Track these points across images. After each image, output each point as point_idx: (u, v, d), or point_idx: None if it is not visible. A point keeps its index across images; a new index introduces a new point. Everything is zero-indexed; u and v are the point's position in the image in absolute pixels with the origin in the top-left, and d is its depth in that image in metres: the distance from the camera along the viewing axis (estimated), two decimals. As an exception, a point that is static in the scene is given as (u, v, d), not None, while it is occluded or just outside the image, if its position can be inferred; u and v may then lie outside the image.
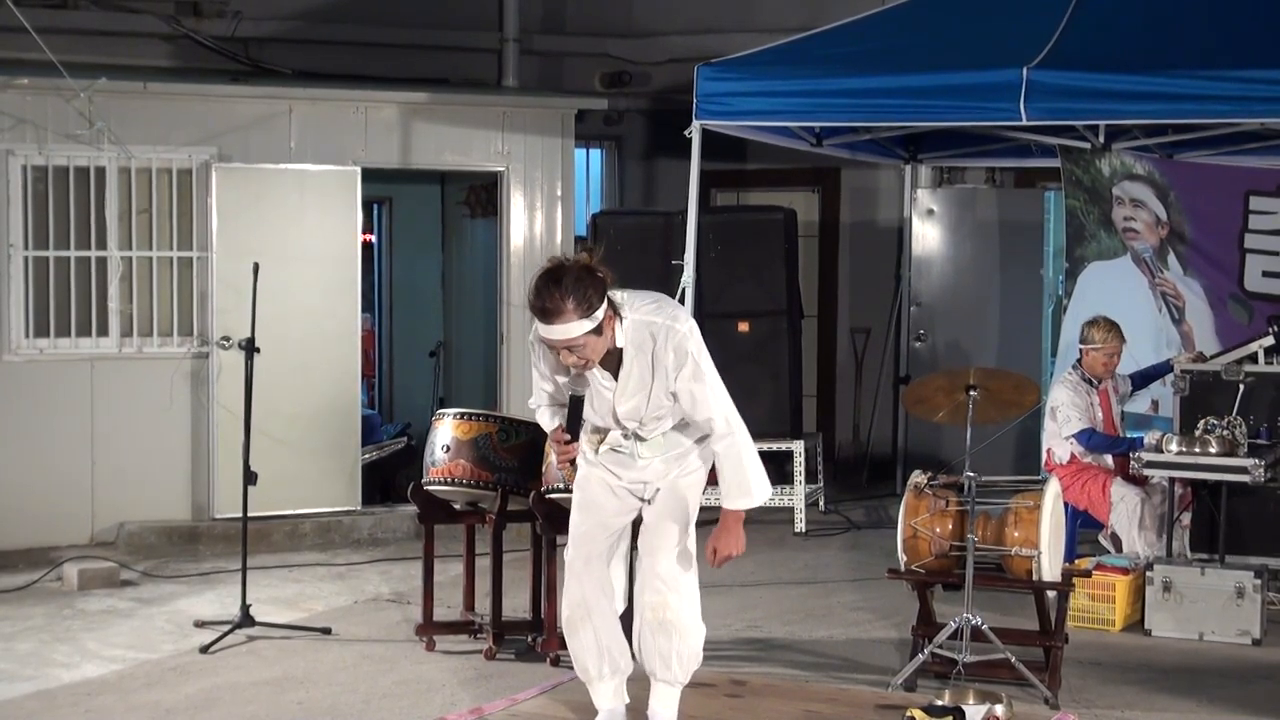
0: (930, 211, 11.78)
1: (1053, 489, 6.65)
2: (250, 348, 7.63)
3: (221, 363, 9.54)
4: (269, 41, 11.54)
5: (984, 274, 11.65)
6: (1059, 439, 8.33)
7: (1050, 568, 6.54)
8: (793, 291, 10.91)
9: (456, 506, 7.32)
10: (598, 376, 5.22)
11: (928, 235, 11.79)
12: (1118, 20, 8.39)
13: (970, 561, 6.46)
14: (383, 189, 12.01)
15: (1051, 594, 6.65)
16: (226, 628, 7.35)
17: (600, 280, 5.04)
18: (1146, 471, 7.89)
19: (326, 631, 7.52)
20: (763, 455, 5.47)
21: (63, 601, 8.24)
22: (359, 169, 10.00)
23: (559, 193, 10.67)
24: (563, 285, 4.97)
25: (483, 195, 11.65)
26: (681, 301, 7.96)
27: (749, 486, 5.26)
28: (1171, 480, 7.90)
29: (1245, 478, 7.55)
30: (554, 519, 6.78)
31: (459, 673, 6.83)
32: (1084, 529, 8.50)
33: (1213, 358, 8.57)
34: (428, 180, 12.20)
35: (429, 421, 7.34)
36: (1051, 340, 10.45)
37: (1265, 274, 9.40)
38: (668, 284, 8.12)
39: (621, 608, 5.58)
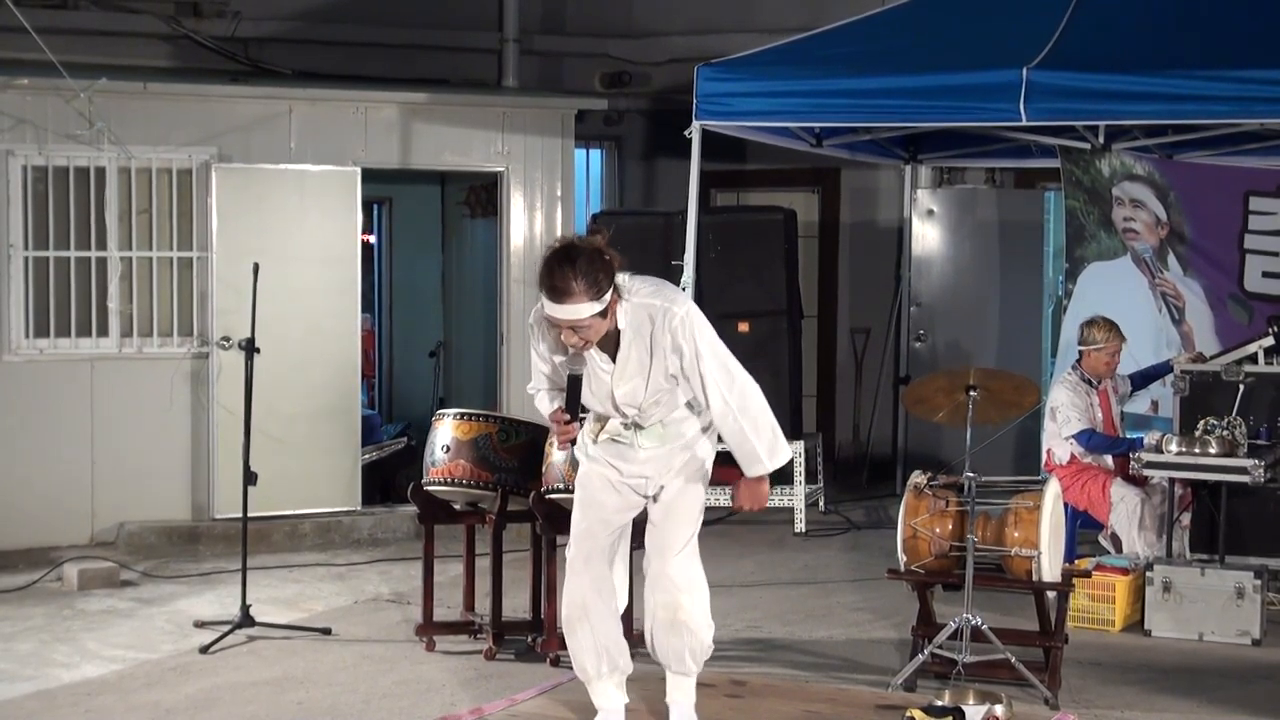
0: (930, 212, 11.78)
1: (1053, 489, 6.65)
2: (250, 348, 7.63)
3: (221, 363, 9.54)
4: (269, 41, 11.54)
5: (984, 274, 11.65)
6: (1059, 439, 8.33)
7: (1050, 568, 6.54)
8: (793, 292, 10.91)
9: (456, 507, 7.32)
10: (596, 359, 5.23)
11: (928, 235, 11.79)
12: (1118, 20, 8.39)
13: (970, 562, 6.46)
14: (383, 189, 12.01)
15: (1051, 594, 6.65)
16: (226, 628, 7.35)
17: (609, 264, 5.08)
18: (1146, 472, 7.89)
19: (326, 632, 7.52)
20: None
21: (63, 601, 8.24)
22: (359, 169, 10.00)
23: (559, 193, 10.67)
24: (576, 266, 5.01)
25: (483, 195, 11.65)
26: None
27: (758, 456, 5.28)
28: (1171, 480, 7.90)
29: (1245, 478, 7.56)
30: (554, 519, 6.78)
31: (459, 673, 6.83)
32: (1084, 529, 8.51)
33: (1213, 358, 8.58)
34: (428, 180, 12.20)
35: (429, 421, 7.34)
36: (1051, 340, 10.45)
37: (1265, 274, 9.40)
38: (668, 284, 8.11)
39: (623, 606, 5.58)
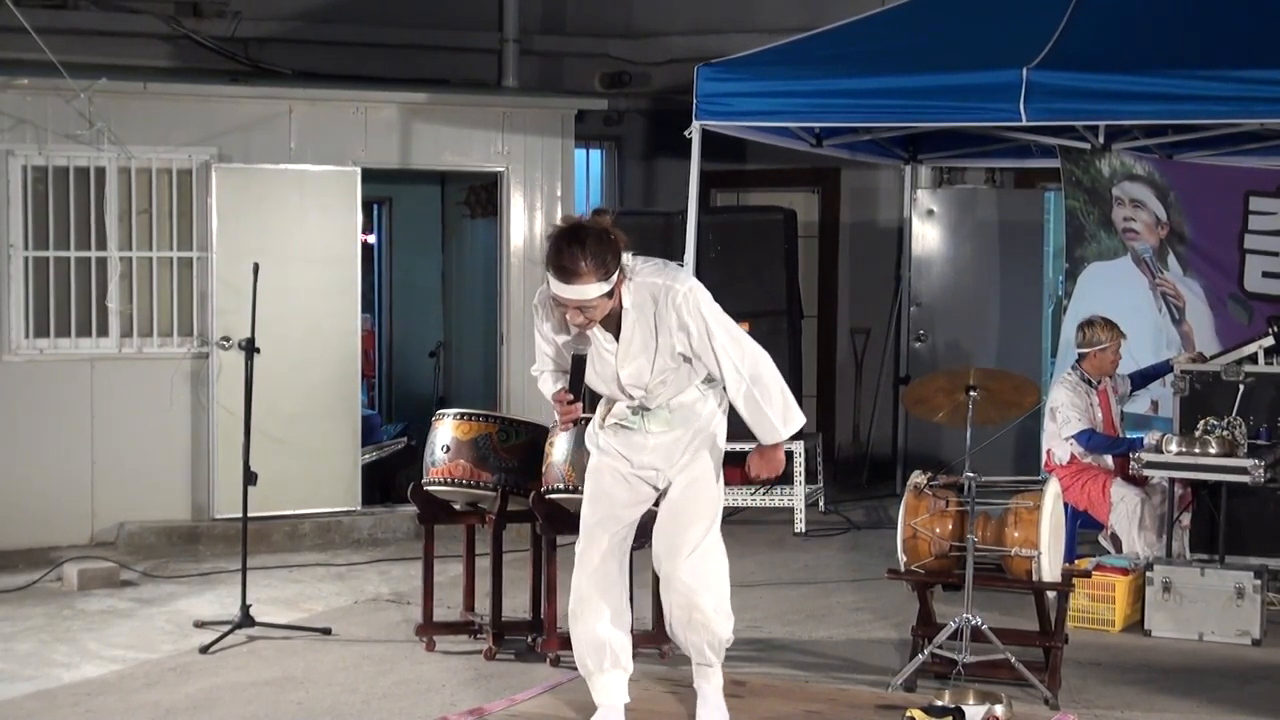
0: (930, 212, 11.79)
1: (1052, 489, 6.65)
2: (250, 348, 7.63)
3: (221, 363, 9.54)
4: (269, 41, 11.54)
5: (984, 274, 11.65)
6: (1059, 440, 8.33)
7: (1050, 568, 6.54)
8: (793, 292, 10.92)
9: (456, 507, 7.32)
10: (600, 340, 5.23)
11: (928, 235, 11.79)
12: (1118, 20, 8.39)
13: (970, 562, 6.46)
14: (383, 189, 12.01)
15: (1051, 594, 6.65)
16: (226, 628, 7.35)
17: (616, 244, 5.10)
18: (1146, 472, 7.89)
19: (326, 632, 7.52)
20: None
21: (63, 601, 8.24)
22: (359, 169, 10.00)
23: (559, 193, 10.67)
24: (585, 246, 5.02)
25: (483, 195, 11.65)
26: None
27: (774, 425, 5.27)
28: (1171, 480, 7.90)
29: (1245, 478, 7.56)
30: (554, 519, 6.78)
31: (459, 673, 6.83)
32: (1084, 529, 8.51)
33: (1213, 358, 8.58)
34: (428, 180, 12.20)
35: (429, 421, 7.34)
36: (1051, 340, 10.45)
37: (1265, 274, 9.40)
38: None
39: (627, 618, 5.57)
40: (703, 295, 5.22)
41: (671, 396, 5.32)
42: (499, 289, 10.64)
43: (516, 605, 7.52)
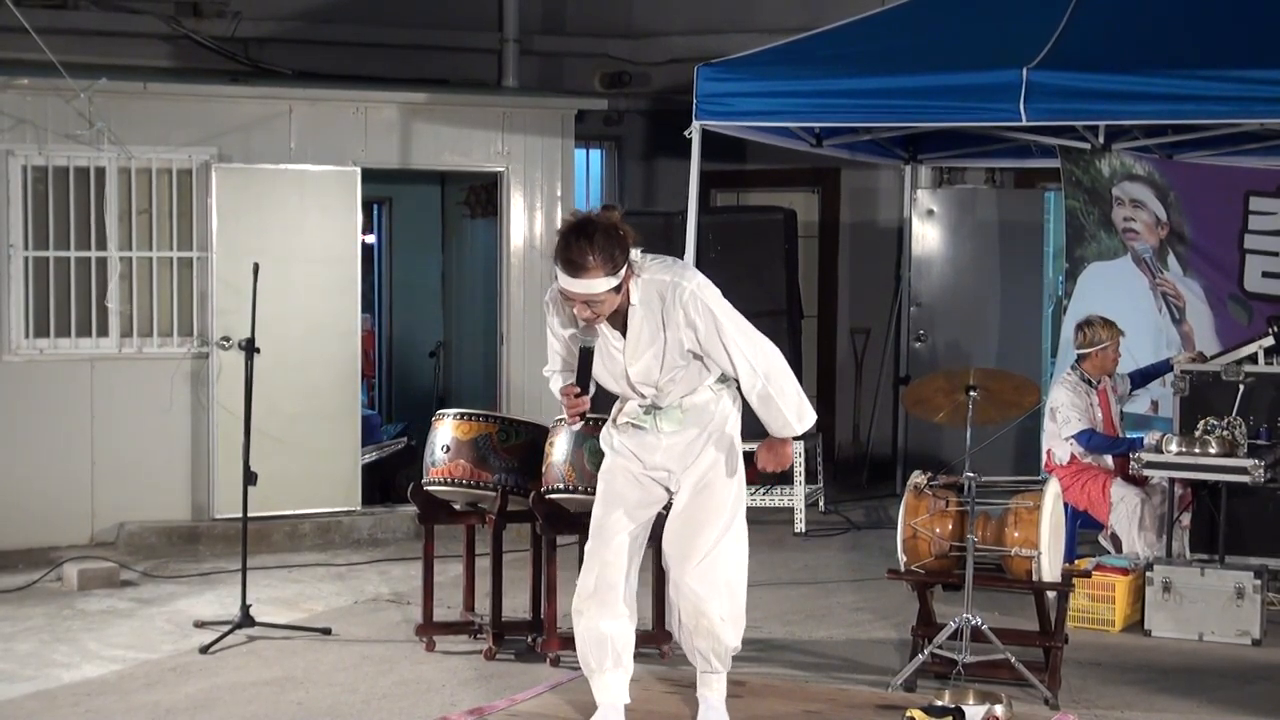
0: (930, 212, 11.79)
1: (1052, 489, 6.65)
2: (250, 348, 7.63)
3: (221, 363, 9.54)
4: (269, 41, 11.54)
5: (984, 274, 11.65)
6: (1059, 440, 8.34)
7: (1050, 568, 6.54)
8: (793, 292, 10.92)
9: (456, 507, 7.32)
10: (609, 337, 5.24)
11: (928, 236, 11.79)
12: (1118, 20, 8.39)
13: (970, 562, 6.46)
14: (383, 189, 12.01)
15: (1051, 594, 6.65)
16: (226, 628, 7.35)
17: (624, 239, 5.11)
18: (1146, 472, 7.90)
19: (326, 632, 7.52)
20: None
21: (63, 601, 8.24)
22: (359, 169, 10.00)
23: (559, 193, 10.67)
24: (593, 241, 5.03)
25: (483, 195, 11.65)
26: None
27: (786, 420, 5.30)
28: (1171, 481, 7.90)
29: (1245, 478, 7.56)
30: (554, 519, 6.79)
31: (459, 673, 6.83)
32: (1084, 529, 8.51)
33: (1213, 358, 8.58)
34: (428, 180, 12.20)
35: (429, 421, 7.34)
36: (1051, 340, 10.45)
37: (1265, 274, 9.40)
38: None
39: (632, 618, 5.56)
40: (711, 292, 5.23)
41: (683, 395, 5.32)
42: (499, 289, 10.64)
43: (516, 605, 7.52)
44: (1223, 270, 9.48)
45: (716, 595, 5.37)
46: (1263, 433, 8.04)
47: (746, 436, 5.48)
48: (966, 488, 6.49)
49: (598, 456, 6.55)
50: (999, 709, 5.61)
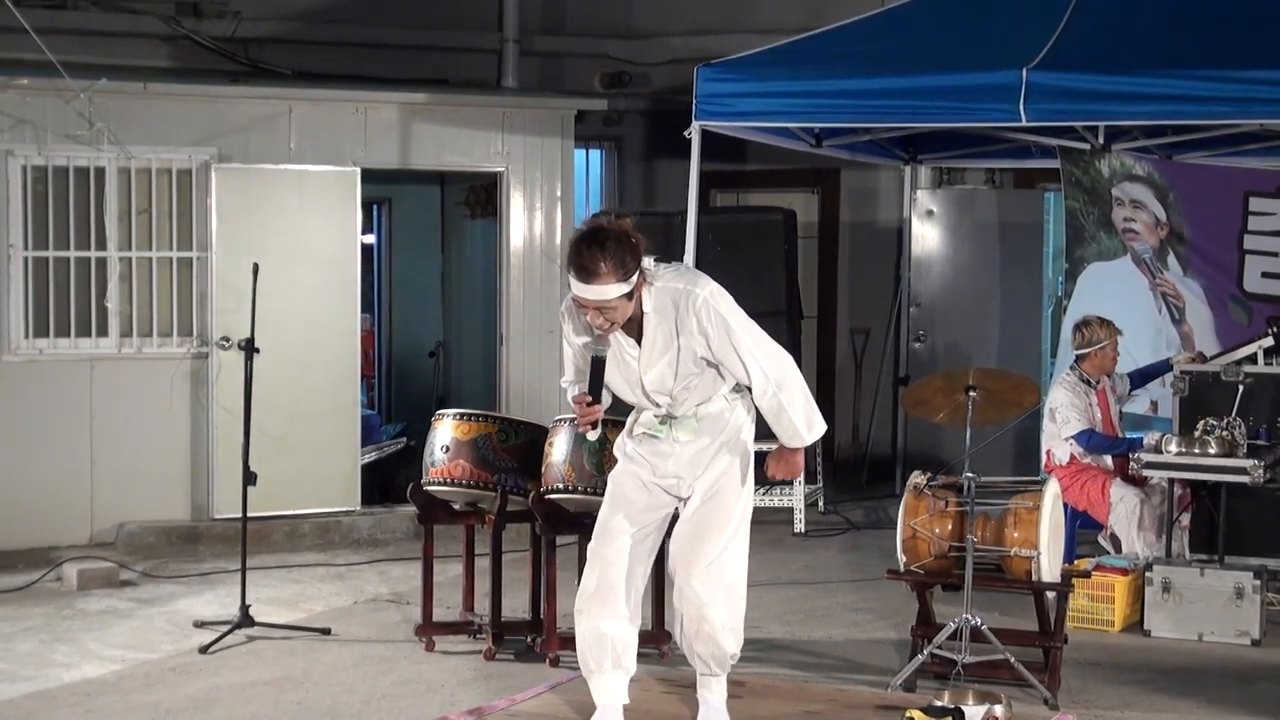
0: (930, 212, 11.79)
1: (1052, 490, 6.65)
2: (250, 348, 7.63)
3: (221, 363, 9.54)
4: (269, 42, 11.54)
5: (984, 274, 11.65)
6: (1058, 440, 8.34)
7: (1049, 568, 6.54)
8: (792, 292, 10.91)
9: (456, 507, 7.32)
10: (623, 345, 5.25)
11: (927, 236, 11.80)
12: (1118, 21, 8.39)
13: (970, 562, 6.46)
14: (383, 189, 12.02)
15: (1051, 594, 6.65)
16: (226, 628, 7.35)
17: (636, 246, 5.13)
18: (1146, 472, 7.90)
19: (326, 632, 7.52)
20: (761, 456, 5.46)
21: (62, 601, 8.24)
22: (359, 169, 10.00)
23: (559, 193, 10.67)
24: (605, 248, 5.06)
25: (483, 195, 11.65)
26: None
27: (797, 430, 5.32)
28: (1171, 481, 7.90)
29: (1244, 478, 7.56)
30: (554, 519, 6.79)
31: (458, 673, 6.83)
32: (1083, 529, 8.51)
33: (1212, 358, 8.58)
34: (428, 180, 12.20)
35: (429, 421, 7.34)
36: (1051, 340, 10.46)
37: (1265, 275, 9.40)
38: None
39: (635, 619, 5.56)
40: (724, 300, 5.24)
41: (698, 404, 5.34)
42: (499, 289, 10.64)
43: (516, 605, 7.52)
44: (1222, 270, 9.48)
45: (719, 602, 5.38)
46: (1262, 433, 8.04)
47: (757, 437, 5.50)
48: (966, 488, 6.49)
49: (597, 457, 6.59)
50: (999, 709, 5.61)
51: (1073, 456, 8.33)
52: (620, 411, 5.61)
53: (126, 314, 9.62)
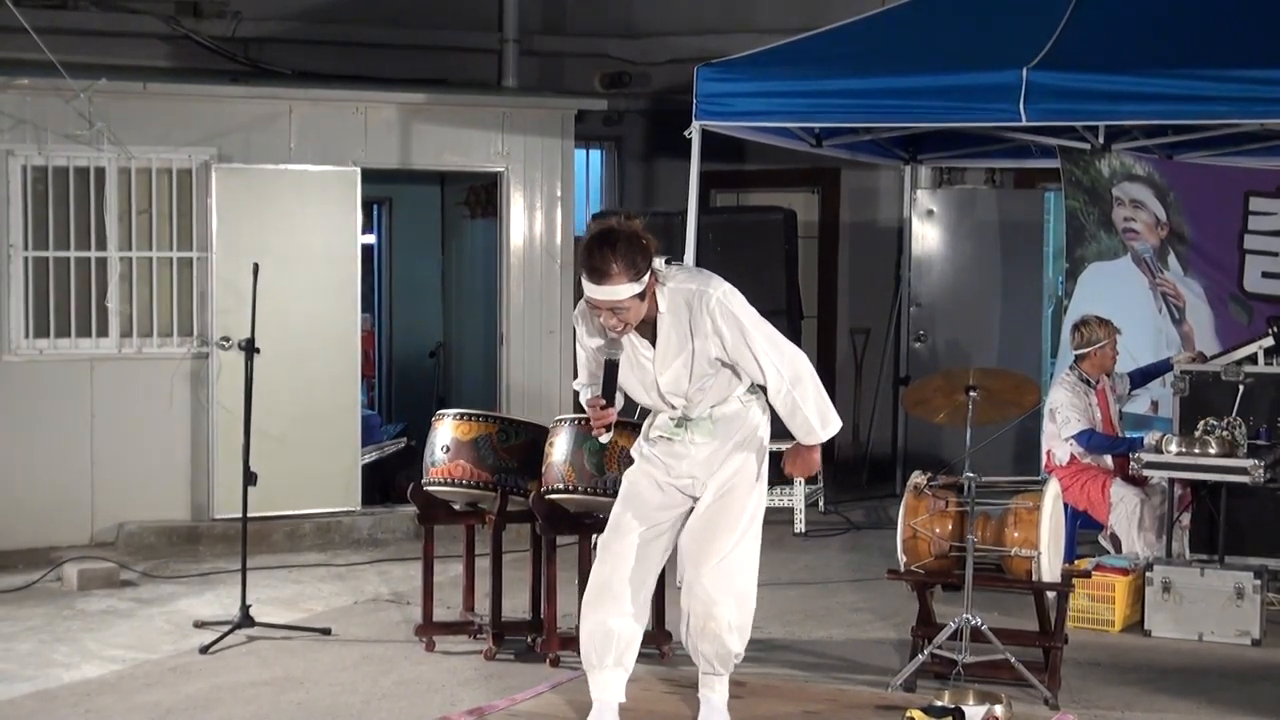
0: (930, 212, 11.79)
1: (1052, 490, 6.65)
2: (250, 348, 7.63)
3: (221, 363, 9.54)
4: (269, 41, 11.55)
5: (984, 274, 11.65)
6: (1058, 440, 8.34)
7: (1050, 568, 6.54)
8: (792, 292, 10.92)
9: (456, 507, 7.32)
10: (638, 347, 5.26)
11: (928, 236, 11.79)
12: (1118, 20, 8.39)
13: (970, 562, 6.46)
14: (383, 189, 12.01)
15: (1051, 594, 6.65)
16: (226, 628, 7.35)
17: (647, 246, 5.16)
18: (1146, 472, 7.90)
19: (326, 632, 7.52)
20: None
21: (63, 602, 8.23)
22: (359, 169, 10.00)
23: (559, 193, 10.67)
24: (616, 248, 5.08)
25: (483, 195, 11.65)
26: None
27: (812, 427, 5.38)
28: (1171, 481, 7.90)
29: (1245, 478, 7.56)
30: (554, 519, 6.79)
31: (459, 673, 6.83)
32: (1084, 529, 8.51)
33: (1213, 358, 8.58)
34: (428, 180, 12.20)
35: (429, 421, 7.34)
36: (1051, 340, 10.46)
37: (1265, 275, 9.40)
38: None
39: (643, 618, 5.56)
40: (736, 300, 5.25)
41: (713, 405, 5.35)
42: (499, 289, 10.64)
43: (516, 605, 7.52)
44: (1223, 270, 9.48)
45: (727, 600, 5.39)
46: (1263, 433, 8.04)
47: (772, 436, 5.51)
48: (966, 488, 6.49)
49: (597, 457, 6.59)
50: (999, 709, 5.61)
51: (1073, 456, 8.33)
52: (631, 414, 5.63)
53: (127, 314, 9.62)
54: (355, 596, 8.42)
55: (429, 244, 12.65)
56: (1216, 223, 9.50)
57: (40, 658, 7.14)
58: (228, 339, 9.41)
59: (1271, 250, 9.39)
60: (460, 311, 12.34)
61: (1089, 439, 8.26)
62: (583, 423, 6.69)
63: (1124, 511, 8.12)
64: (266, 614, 7.67)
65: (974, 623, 6.42)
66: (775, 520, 10.15)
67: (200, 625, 7.59)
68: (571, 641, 6.83)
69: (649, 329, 5.26)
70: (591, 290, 5.13)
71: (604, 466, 6.61)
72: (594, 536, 7.00)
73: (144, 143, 9.57)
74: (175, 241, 9.72)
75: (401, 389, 12.59)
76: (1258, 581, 7.37)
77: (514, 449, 7.02)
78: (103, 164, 9.51)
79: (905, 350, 11.88)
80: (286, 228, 9.78)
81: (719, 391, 5.34)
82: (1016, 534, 6.56)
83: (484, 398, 10.98)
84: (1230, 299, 9.46)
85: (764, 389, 5.36)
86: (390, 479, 10.51)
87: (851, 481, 12.00)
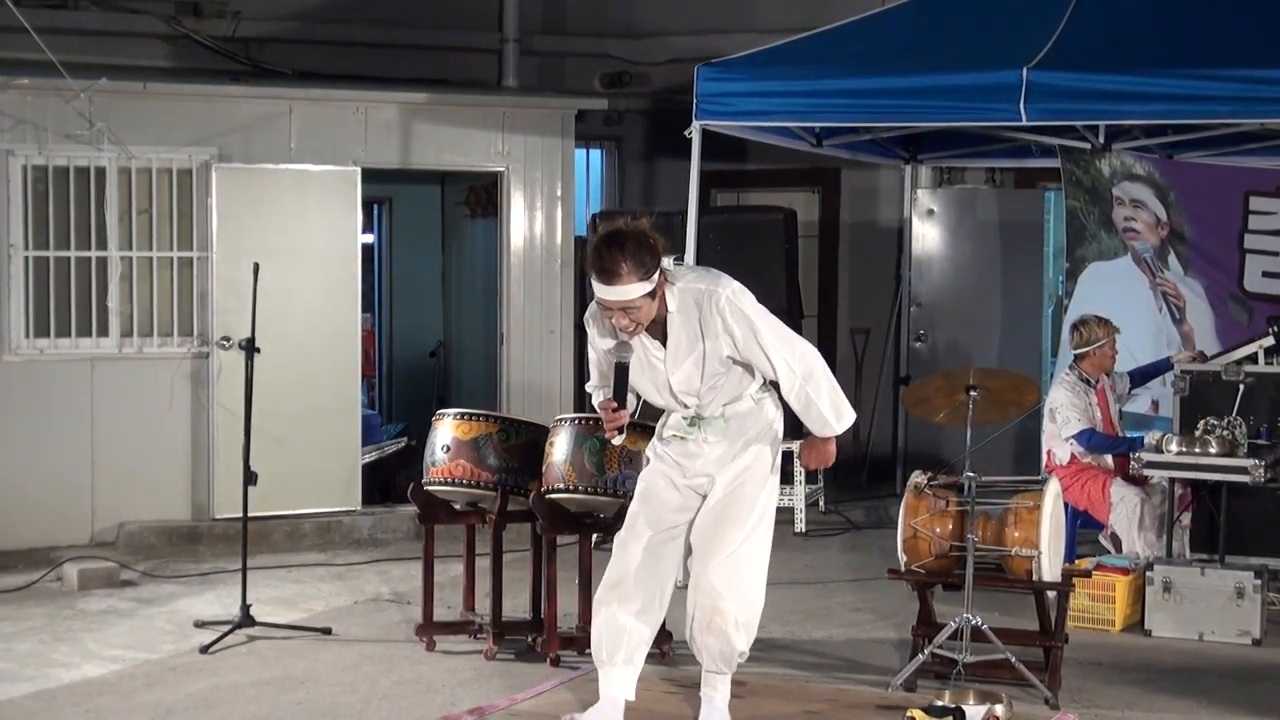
0: (930, 212, 11.79)
1: (1053, 489, 6.66)
2: (250, 348, 7.63)
3: (221, 363, 9.54)
4: (269, 41, 11.54)
5: (984, 274, 11.65)
6: (1059, 440, 8.34)
7: (1050, 568, 6.54)
8: (793, 292, 10.91)
9: (457, 506, 7.32)
10: (649, 348, 5.27)
11: (928, 235, 11.80)
12: (1118, 20, 8.39)
13: (970, 562, 6.46)
14: (383, 189, 12.01)
15: (1051, 594, 6.65)
16: (226, 628, 7.35)
17: (655, 246, 5.18)
18: (1146, 472, 7.90)
19: (326, 632, 7.52)
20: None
21: (63, 601, 8.23)
22: (359, 169, 10.00)
23: (559, 193, 10.67)
24: (625, 249, 5.11)
25: (483, 195, 11.65)
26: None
27: (826, 420, 5.39)
28: (1171, 480, 7.90)
29: (1245, 478, 7.56)
30: (554, 519, 6.79)
31: (459, 673, 6.83)
32: (1084, 529, 8.51)
33: (1213, 358, 8.58)
34: (428, 180, 12.20)
35: (429, 421, 7.34)
36: (1051, 340, 10.46)
37: (1265, 274, 9.40)
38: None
39: (657, 617, 5.56)
40: (746, 298, 5.27)
41: (726, 403, 5.36)
42: (499, 289, 10.64)
43: (516, 605, 7.52)
44: (1223, 270, 9.48)
45: (734, 595, 5.39)
46: (1263, 433, 8.04)
47: (786, 434, 5.54)
48: (966, 488, 6.49)
49: (598, 457, 6.60)
50: (999, 709, 5.61)
51: (1073, 456, 8.33)
52: (646, 416, 5.65)
53: (127, 314, 9.62)
54: (355, 596, 8.42)
55: (429, 244, 12.65)
56: (1217, 222, 9.50)
57: (40, 657, 7.14)
58: (228, 339, 9.41)
59: (1272, 250, 9.39)
60: (460, 311, 12.34)
61: (1089, 439, 8.26)
62: (583, 422, 6.70)
63: (1124, 511, 8.12)
64: (267, 614, 7.67)
65: (974, 622, 6.42)
66: (775, 520, 10.14)
67: (201, 625, 7.59)
68: (572, 641, 6.86)
69: (659, 329, 5.28)
70: (602, 291, 5.14)
71: (604, 466, 6.61)
72: (594, 536, 7.03)
73: (144, 142, 9.57)
74: (176, 241, 9.72)
75: (402, 389, 12.59)
76: (1258, 581, 7.37)
77: (514, 449, 7.01)
78: (103, 164, 9.51)
79: (905, 350, 11.88)
80: (287, 227, 9.78)
81: (731, 390, 5.35)
82: (1017, 534, 6.56)
83: (484, 397, 10.98)
84: (1230, 298, 9.46)
85: (777, 386, 5.37)
86: (390, 479, 10.51)
87: (852, 481, 11.99)
